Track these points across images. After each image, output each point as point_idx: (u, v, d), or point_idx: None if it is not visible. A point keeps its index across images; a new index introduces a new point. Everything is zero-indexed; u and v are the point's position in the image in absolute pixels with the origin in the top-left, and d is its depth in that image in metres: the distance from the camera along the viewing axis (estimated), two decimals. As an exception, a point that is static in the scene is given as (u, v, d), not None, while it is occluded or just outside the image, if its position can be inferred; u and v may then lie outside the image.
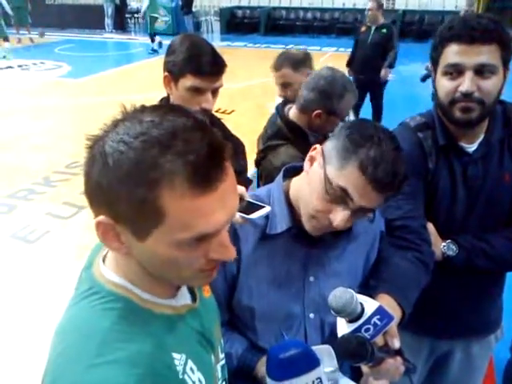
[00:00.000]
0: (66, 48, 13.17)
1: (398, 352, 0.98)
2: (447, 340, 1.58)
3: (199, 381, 0.76)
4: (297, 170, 1.20)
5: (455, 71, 1.23)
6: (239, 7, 16.92)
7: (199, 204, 0.62)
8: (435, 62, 1.30)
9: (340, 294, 0.92)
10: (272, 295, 1.15)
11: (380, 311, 0.94)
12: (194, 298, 0.84)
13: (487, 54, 1.20)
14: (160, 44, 12.49)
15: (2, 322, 2.94)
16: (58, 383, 0.65)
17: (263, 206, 1.10)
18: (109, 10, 15.67)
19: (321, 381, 0.79)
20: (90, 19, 16.20)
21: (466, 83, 1.21)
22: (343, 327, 0.94)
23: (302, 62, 2.36)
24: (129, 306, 0.71)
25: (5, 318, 2.99)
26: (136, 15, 17.42)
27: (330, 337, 1.14)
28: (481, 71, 1.21)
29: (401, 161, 1.00)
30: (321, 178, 1.03)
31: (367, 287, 1.19)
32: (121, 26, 16.42)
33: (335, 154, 1.02)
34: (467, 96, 1.22)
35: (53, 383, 0.66)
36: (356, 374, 1.18)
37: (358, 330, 0.92)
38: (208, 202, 0.63)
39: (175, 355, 0.72)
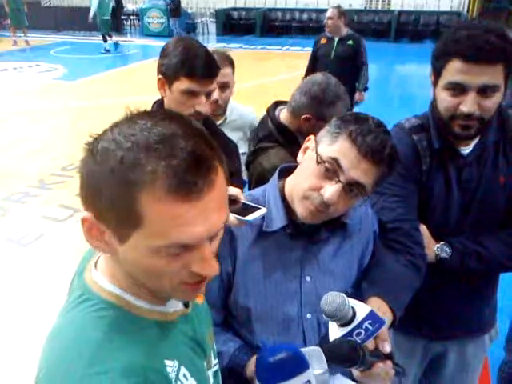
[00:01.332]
0: (62, 50, 13.16)
1: (389, 356, 0.98)
2: (441, 341, 1.58)
3: None
4: (291, 170, 1.20)
5: (458, 89, 1.21)
6: (235, 8, 16.94)
7: (178, 211, 0.61)
8: (437, 72, 1.27)
9: (332, 299, 0.92)
10: (268, 294, 1.15)
11: (371, 316, 0.94)
12: (186, 304, 0.83)
13: (491, 75, 1.17)
14: (116, 45, 12.66)
15: (-4, 326, 2.93)
16: None
17: (259, 208, 1.10)
18: (105, 12, 15.66)
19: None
20: (85, 21, 16.11)
21: (469, 105, 1.19)
22: (335, 331, 0.95)
23: (234, 67, 2.18)
24: (120, 313, 0.71)
25: (-1, 321, 2.98)
26: (132, 17, 17.45)
27: (323, 339, 1.14)
28: (484, 91, 1.19)
29: (390, 138, 1.05)
30: (313, 158, 1.07)
31: (359, 288, 1.19)
32: (116, 28, 16.40)
33: (326, 134, 1.09)
34: (468, 116, 1.21)
35: None
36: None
37: (349, 334, 0.93)
38: (187, 211, 0.61)
39: (168, 362, 0.72)
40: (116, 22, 16.21)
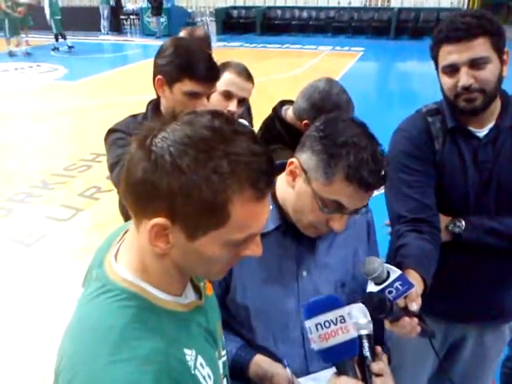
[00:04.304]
0: (62, 50, 13.16)
1: (418, 316, 1.11)
2: (461, 324, 1.60)
3: (208, 376, 0.79)
4: (281, 169, 1.21)
5: (452, 69, 1.35)
6: (234, 7, 16.93)
7: (257, 208, 0.69)
8: (435, 60, 1.41)
9: (372, 261, 1.09)
10: (265, 292, 1.16)
11: (401, 278, 1.09)
12: (199, 296, 0.87)
13: (476, 48, 1.30)
14: (70, 47, 12.97)
15: (0, 326, 2.95)
16: (74, 382, 0.66)
17: None
18: (104, 11, 15.67)
19: (343, 318, 0.92)
20: (85, 21, 16.18)
21: (462, 79, 1.32)
22: (371, 288, 1.11)
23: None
24: (142, 303, 0.73)
25: (3, 321, 2.99)
26: (132, 17, 17.46)
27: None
28: (474, 64, 1.31)
29: (378, 151, 1.05)
30: (310, 195, 1.07)
31: (357, 280, 1.23)
32: (116, 27, 16.42)
33: (316, 169, 1.05)
34: (467, 89, 1.33)
35: (69, 382, 0.67)
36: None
37: (382, 291, 1.08)
38: (261, 206, 0.70)
39: (187, 351, 0.75)
40: (115, 21, 16.25)
